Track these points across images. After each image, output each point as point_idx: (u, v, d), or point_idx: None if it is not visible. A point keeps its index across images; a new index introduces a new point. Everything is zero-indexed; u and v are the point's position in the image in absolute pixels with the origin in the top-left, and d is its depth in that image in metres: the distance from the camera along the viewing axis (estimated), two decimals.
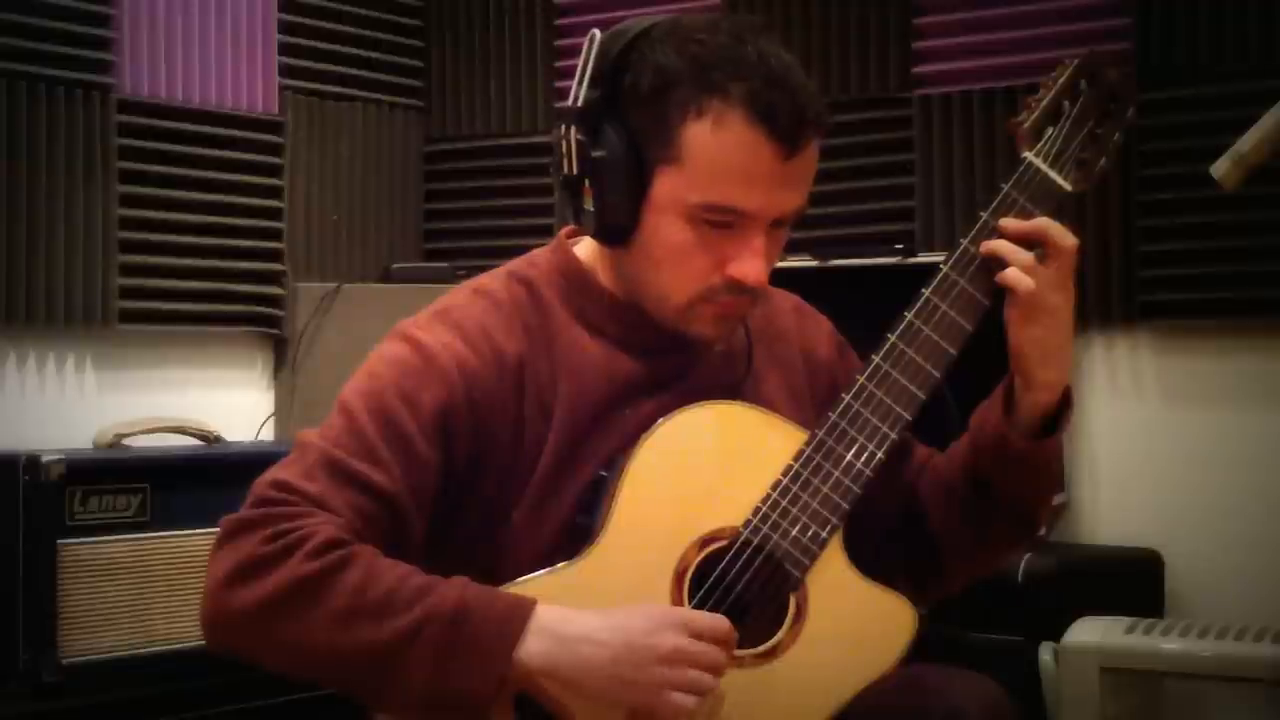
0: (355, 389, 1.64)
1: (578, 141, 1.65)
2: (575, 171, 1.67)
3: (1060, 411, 1.70)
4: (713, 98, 1.60)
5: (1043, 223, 1.67)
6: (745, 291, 1.66)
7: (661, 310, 1.68)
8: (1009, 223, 1.67)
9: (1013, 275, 1.65)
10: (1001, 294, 1.67)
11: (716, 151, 1.60)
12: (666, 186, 1.63)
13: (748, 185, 1.61)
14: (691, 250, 1.64)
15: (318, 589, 1.50)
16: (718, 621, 1.55)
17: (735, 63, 1.61)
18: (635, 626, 1.52)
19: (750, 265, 1.64)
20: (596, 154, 1.64)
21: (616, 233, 1.66)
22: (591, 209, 1.66)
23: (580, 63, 1.66)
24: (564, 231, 1.79)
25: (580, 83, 1.66)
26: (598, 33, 1.67)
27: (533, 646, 1.50)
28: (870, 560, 1.70)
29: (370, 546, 1.54)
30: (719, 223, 1.63)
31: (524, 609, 1.52)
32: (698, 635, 1.53)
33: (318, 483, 1.57)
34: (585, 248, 1.76)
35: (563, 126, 1.67)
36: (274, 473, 1.60)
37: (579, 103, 1.66)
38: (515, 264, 1.77)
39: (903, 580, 1.76)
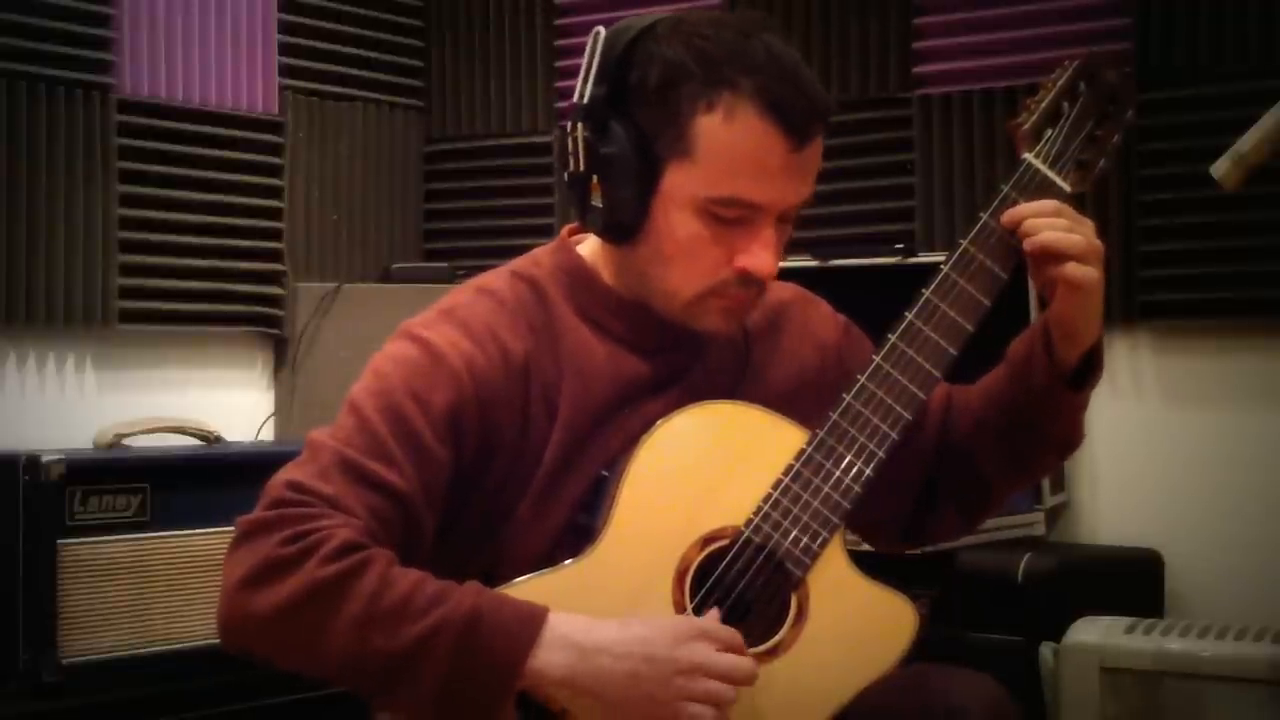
0: (365, 389, 1.64)
1: (585, 138, 1.65)
2: (583, 169, 1.66)
3: (1093, 355, 1.73)
4: (723, 91, 1.60)
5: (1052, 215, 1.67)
6: (754, 284, 1.67)
7: (669, 305, 1.69)
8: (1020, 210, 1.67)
9: (1053, 238, 1.64)
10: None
11: (728, 144, 1.61)
12: (677, 181, 1.63)
13: (760, 178, 1.62)
14: (702, 244, 1.64)
15: (335, 594, 1.50)
16: (734, 634, 1.55)
17: (744, 57, 1.61)
18: (655, 639, 1.52)
19: (761, 258, 1.64)
20: (605, 150, 1.64)
21: (625, 229, 1.66)
22: (599, 205, 1.66)
23: (585, 60, 1.66)
24: (566, 230, 1.80)
25: (585, 80, 1.66)
26: (602, 30, 1.67)
27: (553, 657, 1.50)
28: (921, 507, 1.84)
29: (386, 550, 1.54)
30: (730, 216, 1.63)
31: (537, 618, 1.52)
32: (719, 646, 1.53)
33: (333, 483, 1.56)
34: (588, 247, 1.76)
35: (569, 124, 1.67)
36: (288, 473, 1.59)
37: (585, 100, 1.65)
38: (519, 263, 1.77)
39: (950, 515, 1.85)
